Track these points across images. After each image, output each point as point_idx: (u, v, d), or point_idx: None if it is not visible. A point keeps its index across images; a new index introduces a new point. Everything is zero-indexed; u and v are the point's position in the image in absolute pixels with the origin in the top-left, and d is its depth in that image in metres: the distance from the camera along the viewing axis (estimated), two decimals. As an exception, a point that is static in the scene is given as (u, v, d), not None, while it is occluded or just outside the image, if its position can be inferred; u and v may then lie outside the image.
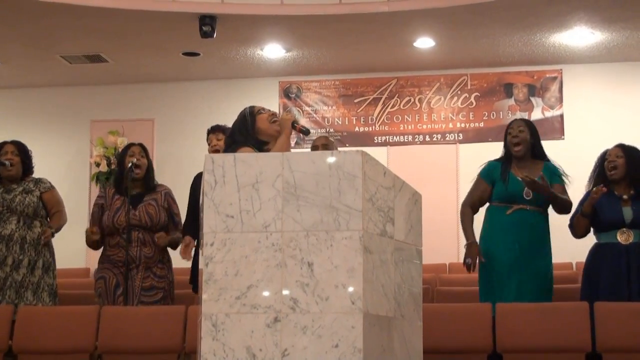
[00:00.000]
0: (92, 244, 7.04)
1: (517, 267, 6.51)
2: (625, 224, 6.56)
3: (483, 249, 6.73)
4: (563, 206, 6.71)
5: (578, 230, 6.79)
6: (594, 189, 6.50)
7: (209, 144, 7.14)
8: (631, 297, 6.41)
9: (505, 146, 6.88)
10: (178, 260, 7.31)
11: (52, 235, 7.24)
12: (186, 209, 7.11)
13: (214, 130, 7.12)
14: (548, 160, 6.85)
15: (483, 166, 6.91)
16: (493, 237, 6.68)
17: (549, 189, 6.54)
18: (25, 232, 7.12)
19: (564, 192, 6.76)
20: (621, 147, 6.82)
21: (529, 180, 6.46)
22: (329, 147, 7.16)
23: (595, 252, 6.73)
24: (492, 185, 6.74)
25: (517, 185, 6.61)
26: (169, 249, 7.09)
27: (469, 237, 6.68)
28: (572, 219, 6.79)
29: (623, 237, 6.57)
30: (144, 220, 6.84)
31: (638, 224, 6.53)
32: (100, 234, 6.90)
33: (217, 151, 6.77)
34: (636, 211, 6.54)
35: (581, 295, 6.75)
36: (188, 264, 7.16)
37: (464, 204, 6.86)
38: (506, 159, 6.83)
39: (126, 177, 6.89)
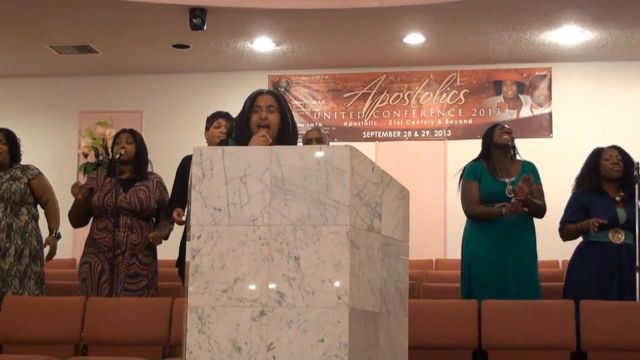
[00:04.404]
0: (74, 215, 7.00)
1: (503, 263, 6.54)
2: (619, 224, 6.61)
3: (467, 250, 6.76)
4: (538, 213, 6.75)
5: (568, 238, 6.85)
6: (593, 220, 6.51)
7: (215, 127, 6.85)
8: (622, 296, 6.45)
9: (488, 142, 6.90)
10: (164, 251, 7.30)
11: (58, 237, 7.26)
12: (171, 187, 6.96)
13: (227, 117, 6.81)
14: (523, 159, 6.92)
15: (464, 170, 6.94)
16: (477, 237, 6.70)
17: (535, 203, 6.62)
18: (12, 220, 7.11)
19: (542, 192, 6.80)
20: (618, 149, 6.89)
21: (522, 200, 6.51)
22: (322, 140, 7.15)
23: (584, 250, 6.78)
24: (479, 182, 6.76)
25: (498, 184, 6.64)
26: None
27: (499, 210, 6.56)
28: (562, 224, 6.83)
29: (615, 237, 6.61)
30: (134, 204, 6.84)
31: (630, 224, 6.58)
32: (85, 193, 6.87)
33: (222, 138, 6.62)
34: (629, 212, 6.60)
35: (565, 290, 6.78)
36: (174, 255, 7.14)
37: (470, 205, 6.78)
38: (485, 159, 6.85)
39: (114, 166, 6.89)
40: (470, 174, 6.85)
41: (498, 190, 6.63)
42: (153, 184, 7.02)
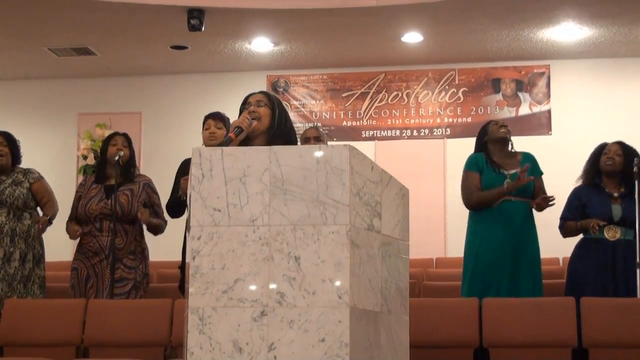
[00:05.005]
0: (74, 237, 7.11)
1: (510, 257, 6.54)
2: (613, 220, 6.61)
3: (471, 247, 6.74)
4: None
5: (568, 234, 6.85)
6: (594, 222, 6.53)
7: (205, 129, 6.86)
8: (617, 293, 6.45)
9: (482, 139, 6.91)
10: (165, 253, 7.30)
11: (49, 222, 7.23)
12: (170, 191, 6.97)
13: (215, 117, 6.87)
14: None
15: (466, 162, 6.94)
16: (481, 231, 6.69)
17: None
18: (15, 225, 7.10)
19: (543, 187, 6.81)
20: (622, 145, 6.88)
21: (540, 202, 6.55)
22: (320, 138, 7.15)
23: (581, 247, 6.79)
24: (480, 173, 6.75)
25: (498, 176, 6.64)
26: (149, 245, 7.10)
27: (499, 188, 6.58)
28: (562, 221, 6.83)
29: (610, 234, 6.62)
30: (114, 209, 6.84)
31: (626, 221, 6.57)
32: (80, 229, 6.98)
33: (212, 138, 6.63)
34: (625, 209, 6.60)
35: (566, 288, 6.79)
36: (175, 257, 7.14)
37: (469, 195, 6.78)
38: (485, 153, 6.85)
39: (114, 168, 6.90)
40: (472, 164, 6.85)
41: (498, 183, 6.63)
42: (139, 187, 7.02)
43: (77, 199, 7.09)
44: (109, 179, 6.99)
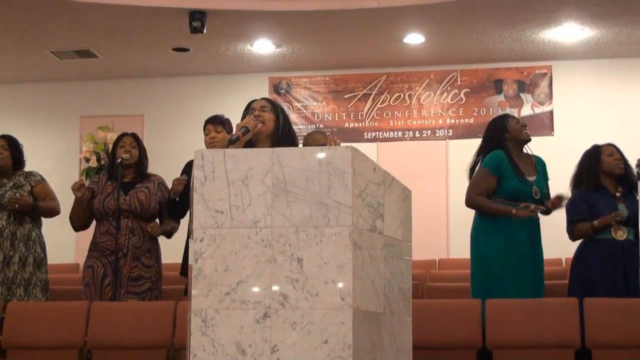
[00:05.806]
0: (74, 215, 6.99)
1: (528, 260, 6.52)
2: (621, 220, 6.60)
3: (481, 247, 6.66)
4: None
5: (580, 237, 6.80)
6: (614, 214, 6.52)
7: (206, 134, 6.80)
8: (629, 293, 6.43)
9: (501, 134, 6.76)
10: (168, 254, 7.29)
11: (31, 207, 7.14)
12: None
13: (213, 121, 6.89)
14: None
15: (489, 158, 6.69)
16: (490, 232, 6.61)
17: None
18: (15, 228, 7.10)
19: (549, 190, 6.80)
20: (614, 146, 6.88)
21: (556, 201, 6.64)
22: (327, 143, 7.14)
23: (588, 248, 6.74)
24: (498, 179, 6.65)
25: (524, 183, 6.59)
26: (159, 240, 7.10)
27: (508, 208, 6.46)
28: (570, 224, 6.75)
29: (618, 234, 6.60)
30: (134, 206, 6.84)
31: (632, 220, 6.56)
32: (87, 196, 6.88)
33: (213, 143, 6.65)
34: (630, 208, 6.59)
35: (570, 288, 6.76)
36: (178, 259, 7.15)
37: (474, 194, 6.63)
38: (505, 152, 6.71)
39: (116, 170, 6.90)
40: (492, 164, 6.63)
41: (524, 190, 6.55)
42: (154, 185, 7.03)
43: (91, 190, 7.02)
44: (124, 177, 6.99)
